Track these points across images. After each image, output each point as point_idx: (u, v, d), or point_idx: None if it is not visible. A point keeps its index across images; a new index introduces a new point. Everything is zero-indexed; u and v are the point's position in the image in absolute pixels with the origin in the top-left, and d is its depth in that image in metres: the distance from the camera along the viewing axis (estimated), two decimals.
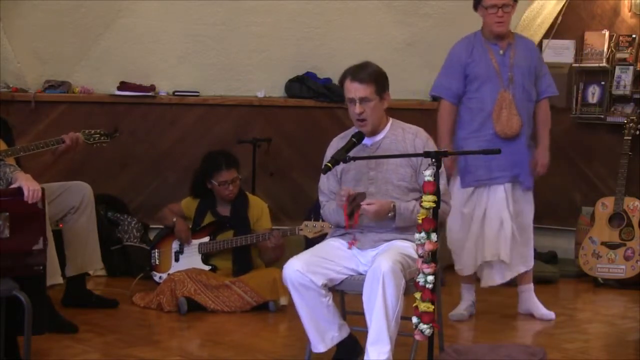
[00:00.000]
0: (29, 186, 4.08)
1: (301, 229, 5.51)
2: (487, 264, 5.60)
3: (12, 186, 4.14)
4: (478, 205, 5.53)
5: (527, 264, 5.68)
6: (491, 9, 5.40)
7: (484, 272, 5.65)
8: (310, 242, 5.77)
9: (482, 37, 5.52)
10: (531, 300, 5.72)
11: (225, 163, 5.95)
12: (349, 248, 4.39)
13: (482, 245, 5.54)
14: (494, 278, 5.65)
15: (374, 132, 4.46)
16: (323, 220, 5.19)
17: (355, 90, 4.36)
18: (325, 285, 4.27)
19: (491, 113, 5.44)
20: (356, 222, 4.30)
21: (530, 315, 5.71)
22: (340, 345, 4.40)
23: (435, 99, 7.27)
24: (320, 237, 5.24)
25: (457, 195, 5.53)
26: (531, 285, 5.74)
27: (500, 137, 5.43)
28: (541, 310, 5.67)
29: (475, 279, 5.75)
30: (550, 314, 5.64)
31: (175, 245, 6.11)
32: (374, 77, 4.38)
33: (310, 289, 4.24)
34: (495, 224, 5.50)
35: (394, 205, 4.32)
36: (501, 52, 5.48)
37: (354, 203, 4.27)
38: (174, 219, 6.08)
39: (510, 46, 5.50)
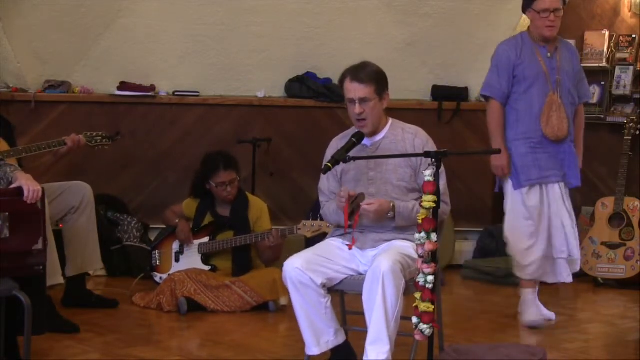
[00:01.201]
0: (29, 186, 4.08)
1: (299, 229, 5.51)
2: (559, 260, 5.53)
3: (12, 186, 4.14)
4: (540, 204, 5.47)
5: (579, 263, 5.67)
6: (543, 13, 5.38)
7: (558, 269, 5.56)
8: (309, 242, 5.77)
9: (529, 39, 5.50)
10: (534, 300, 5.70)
11: (223, 164, 5.94)
12: (349, 249, 4.39)
13: (549, 243, 5.50)
14: (569, 274, 5.58)
15: (374, 132, 4.46)
16: (322, 220, 5.19)
17: (355, 90, 4.36)
18: (324, 285, 4.26)
19: (539, 115, 5.43)
20: (356, 222, 4.30)
21: None
22: (335, 351, 4.39)
23: (437, 99, 7.33)
24: (319, 237, 5.24)
25: (514, 196, 5.49)
26: (536, 286, 5.72)
27: (550, 140, 5.43)
28: (541, 310, 5.66)
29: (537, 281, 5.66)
30: (551, 314, 5.64)
31: (175, 246, 6.11)
32: (373, 77, 4.38)
33: (309, 288, 4.24)
34: (558, 222, 5.49)
35: (394, 205, 4.32)
36: (549, 54, 5.47)
37: (354, 204, 4.27)
38: (177, 220, 6.08)
39: (556, 50, 5.49)
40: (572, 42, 7.18)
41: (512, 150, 5.47)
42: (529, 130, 5.45)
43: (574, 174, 5.53)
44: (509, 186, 5.53)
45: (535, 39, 5.50)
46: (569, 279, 5.63)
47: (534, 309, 5.52)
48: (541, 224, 5.48)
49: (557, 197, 5.50)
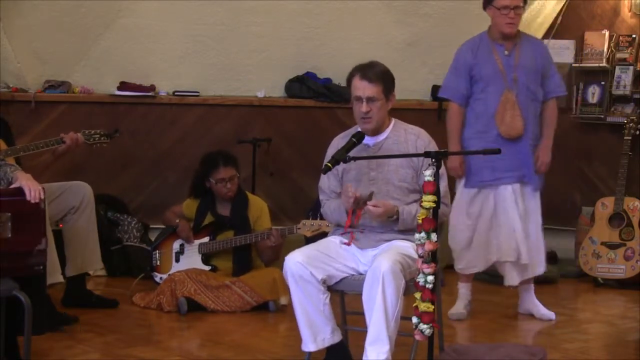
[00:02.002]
0: (29, 186, 4.08)
1: (299, 228, 5.51)
2: (506, 263, 5.58)
3: (13, 186, 4.14)
4: (485, 206, 5.53)
5: (543, 265, 5.68)
6: (503, 10, 5.39)
7: (505, 271, 5.64)
8: (309, 241, 5.77)
9: (487, 38, 5.52)
10: (531, 300, 5.72)
11: (222, 161, 5.95)
12: (348, 245, 4.38)
13: (497, 245, 5.54)
14: (515, 277, 5.64)
15: (377, 133, 4.46)
16: (322, 219, 5.19)
17: (363, 88, 4.36)
18: (324, 282, 4.27)
19: (495, 114, 5.44)
20: (357, 220, 4.30)
21: (530, 315, 5.72)
22: (330, 350, 4.39)
23: (437, 99, 7.33)
24: (319, 236, 5.24)
25: (462, 195, 5.56)
26: (532, 286, 5.74)
27: (505, 138, 5.43)
28: (541, 310, 5.67)
29: (472, 278, 5.75)
30: (551, 314, 5.65)
31: (175, 246, 6.11)
32: (382, 77, 4.39)
33: (309, 283, 4.24)
34: (507, 225, 5.50)
35: (398, 210, 4.32)
36: (506, 52, 5.48)
37: (360, 203, 4.27)
38: (177, 221, 6.09)
39: (516, 47, 5.49)
40: (571, 42, 7.22)
41: (467, 149, 5.47)
42: (485, 130, 5.46)
43: (533, 174, 5.53)
44: (461, 182, 5.57)
45: (493, 37, 5.50)
46: (514, 282, 5.66)
47: (460, 303, 5.66)
48: (478, 228, 5.52)
49: (509, 199, 5.50)
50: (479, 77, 5.48)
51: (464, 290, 5.71)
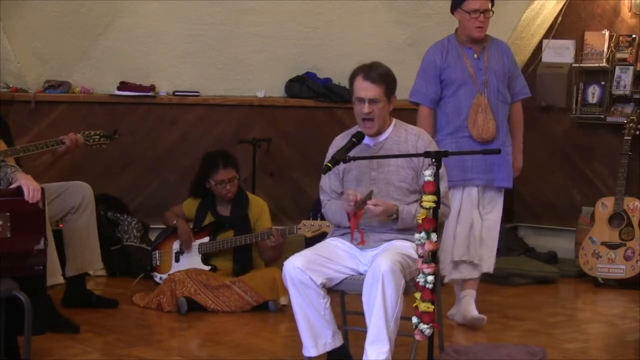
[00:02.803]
0: (29, 186, 4.08)
1: (299, 228, 5.51)
2: (453, 262, 5.55)
3: (12, 186, 4.14)
4: (454, 207, 5.50)
5: (490, 266, 5.60)
6: (473, 14, 5.35)
7: (446, 268, 5.55)
8: (309, 242, 5.77)
9: (455, 41, 5.49)
10: (469, 305, 5.54)
11: (222, 162, 5.95)
12: (358, 245, 4.36)
13: (452, 244, 5.51)
14: (453, 273, 5.56)
15: (378, 133, 4.46)
16: (322, 219, 5.18)
17: (366, 89, 4.36)
18: (324, 285, 4.26)
19: (466, 117, 5.42)
20: (358, 218, 4.29)
21: (530, 314, 5.70)
22: (332, 354, 4.38)
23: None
24: (319, 236, 5.24)
25: None
26: (474, 292, 5.58)
27: (477, 141, 5.42)
28: (472, 312, 5.50)
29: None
30: (482, 317, 5.49)
31: (175, 246, 6.11)
32: (384, 78, 4.39)
33: (309, 287, 4.23)
34: (467, 225, 5.47)
35: (398, 209, 4.32)
36: (475, 56, 5.46)
37: (360, 203, 4.27)
38: (174, 221, 6.08)
39: (484, 50, 5.47)
40: (571, 42, 7.22)
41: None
42: (456, 132, 5.43)
43: (504, 176, 5.49)
44: None
45: (461, 40, 5.47)
46: (455, 277, 5.58)
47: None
48: (447, 228, 5.44)
49: (474, 199, 5.48)
50: (449, 81, 5.45)
51: (459, 291, 5.68)
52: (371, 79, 4.35)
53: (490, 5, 5.41)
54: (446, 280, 5.56)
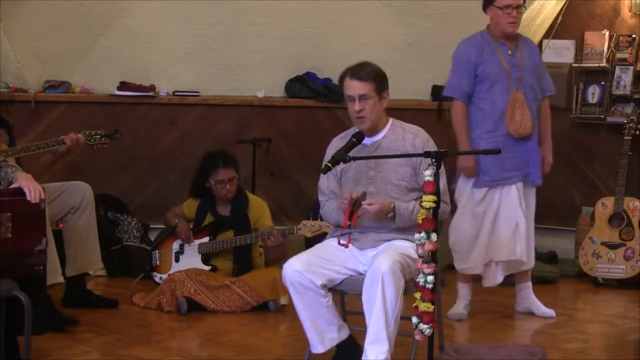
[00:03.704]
0: (29, 186, 4.07)
1: (299, 229, 5.51)
2: (495, 263, 5.59)
3: (12, 186, 4.14)
4: (490, 206, 5.53)
5: (531, 262, 5.70)
6: (506, 9, 5.40)
7: (491, 271, 5.65)
8: (310, 242, 5.77)
9: (489, 37, 5.52)
10: (530, 298, 5.73)
11: (222, 162, 5.95)
12: (346, 246, 4.37)
13: (495, 245, 5.55)
14: (497, 277, 5.66)
15: (374, 132, 4.46)
16: (321, 220, 5.18)
17: (354, 87, 4.37)
18: (324, 286, 4.27)
19: (503, 113, 5.45)
20: (354, 221, 4.30)
21: (530, 314, 5.72)
22: (340, 347, 4.40)
23: (437, 99, 7.33)
24: (320, 236, 5.24)
25: (471, 195, 5.55)
26: (530, 284, 5.75)
27: (514, 137, 5.45)
28: (542, 308, 5.68)
29: (472, 278, 5.75)
30: (551, 312, 5.66)
31: (175, 246, 6.11)
32: (373, 75, 4.40)
33: (309, 289, 4.24)
34: (511, 224, 5.52)
35: (394, 206, 4.32)
36: (509, 52, 5.49)
37: (355, 204, 4.27)
38: (176, 221, 6.09)
39: (517, 47, 5.51)
40: (571, 42, 7.23)
41: (476, 148, 5.47)
42: (494, 129, 5.47)
43: (537, 172, 5.57)
44: (469, 183, 5.55)
45: (495, 36, 5.51)
46: (498, 282, 5.69)
47: (460, 303, 5.66)
48: (482, 229, 5.52)
49: (514, 199, 5.52)
50: (484, 76, 5.47)
51: (464, 290, 5.71)
52: (358, 77, 4.37)
53: (522, 0, 5.44)
54: (488, 284, 5.67)
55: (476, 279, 5.84)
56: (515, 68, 5.47)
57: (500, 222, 5.54)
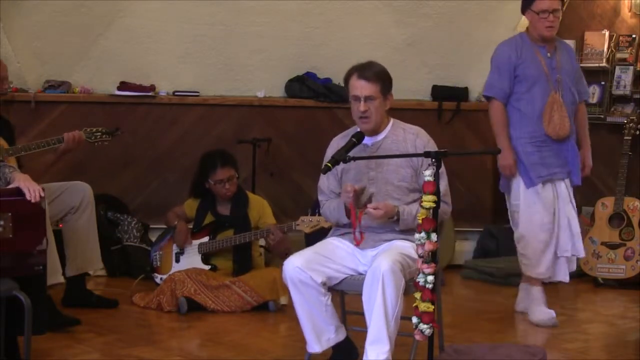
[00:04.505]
0: (27, 186, 4.07)
1: (298, 225, 5.52)
2: (561, 259, 5.58)
3: (10, 186, 4.13)
4: (547, 201, 5.50)
5: (573, 264, 5.71)
6: (542, 14, 5.42)
7: (557, 267, 5.61)
8: (309, 238, 5.78)
9: (528, 40, 5.53)
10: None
11: (220, 161, 5.95)
12: (357, 245, 4.37)
13: (560, 240, 5.53)
14: (561, 274, 5.63)
15: (375, 132, 4.46)
16: (319, 215, 5.19)
17: (361, 87, 4.37)
18: (324, 284, 4.27)
19: (541, 115, 5.46)
20: (359, 220, 4.30)
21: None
22: (336, 348, 4.40)
23: (437, 99, 7.33)
24: (318, 232, 5.24)
25: (527, 196, 5.51)
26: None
27: (553, 139, 5.46)
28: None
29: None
30: (550, 312, 5.65)
31: (175, 247, 6.10)
32: (379, 76, 4.40)
33: (309, 287, 4.24)
34: (565, 219, 5.53)
35: (398, 211, 4.32)
36: (549, 54, 5.51)
37: (360, 200, 4.26)
38: (175, 222, 6.09)
39: (556, 50, 5.53)
40: (571, 42, 7.21)
41: (517, 149, 5.50)
42: (533, 130, 5.49)
43: (578, 172, 5.61)
44: (520, 185, 5.54)
45: (534, 39, 5.53)
46: (567, 278, 5.68)
47: (543, 308, 5.55)
48: (554, 219, 5.51)
49: (564, 194, 5.56)
50: (523, 77, 5.49)
51: (539, 294, 5.61)
52: (366, 78, 4.37)
53: (559, 5, 5.47)
54: (559, 279, 5.64)
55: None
56: (554, 71, 5.49)
57: (560, 217, 5.53)
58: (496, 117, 5.54)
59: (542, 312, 5.53)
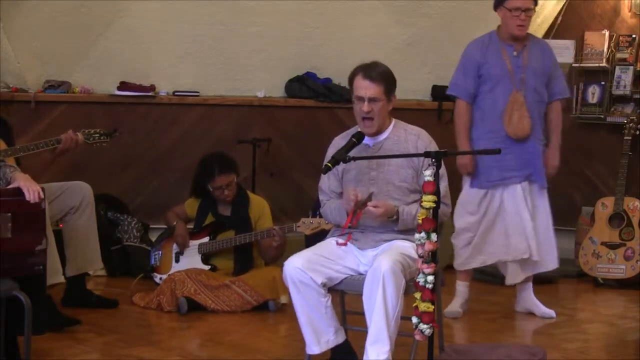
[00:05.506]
0: (28, 186, 4.07)
1: (298, 226, 5.52)
2: (511, 262, 5.62)
3: (10, 186, 4.13)
4: (490, 206, 5.55)
5: (555, 261, 5.72)
6: (515, 12, 5.42)
7: (509, 270, 5.68)
8: (309, 240, 5.77)
9: (497, 38, 5.54)
10: (530, 299, 5.74)
11: (217, 169, 5.91)
12: (344, 245, 4.37)
13: (509, 245, 5.57)
14: (519, 275, 5.68)
15: (377, 133, 4.46)
16: (320, 217, 5.18)
17: (366, 88, 4.36)
18: (324, 285, 4.26)
19: (502, 114, 5.46)
20: (357, 220, 4.30)
21: (530, 314, 5.73)
22: (335, 350, 4.39)
23: (437, 99, 7.33)
24: (319, 235, 5.23)
25: (468, 195, 5.59)
26: (531, 284, 5.76)
27: (512, 139, 5.45)
28: (542, 308, 5.69)
29: (471, 276, 5.76)
30: (551, 312, 5.67)
31: (175, 247, 6.10)
32: (384, 77, 4.39)
33: (309, 287, 4.24)
34: (517, 224, 5.54)
35: (398, 210, 4.32)
36: (515, 53, 5.51)
37: (360, 204, 4.26)
38: (174, 223, 6.08)
39: (525, 48, 5.52)
40: (571, 42, 7.23)
41: (475, 148, 5.49)
42: (493, 129, 5.51)
43: (540, 174, 5.58)
44: (466, 182, 5.61)
45: (503, 37, 5.53)
46: (518, 280, 5.71)
47: (457, 301, 5.69)
48: (480, 228, 5.54)
49: (518, 198, 5.54)
50: (487, 77, 5.50)
51: (462, 288, 5.74)
52: (371, 78, 4.36)
53: (532, 4, 5.46)
54: (509, 282, 5.73)
55: (477, 279, 5.84)
56: (519, 69, 5.48)
57: (507, 223, 5.55)
58: (458, 116, 5.58)
59: (451, 305, 5.67)
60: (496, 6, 5.53)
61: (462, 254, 5.66)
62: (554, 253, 5.72)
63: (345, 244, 4.37)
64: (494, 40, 5.54)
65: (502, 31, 5.53)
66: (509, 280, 5.74)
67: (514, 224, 5.55)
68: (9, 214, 3.94)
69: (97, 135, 5.61)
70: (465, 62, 5.57)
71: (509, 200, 5.55)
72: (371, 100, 4.36)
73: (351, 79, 4.43)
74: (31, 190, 4.06)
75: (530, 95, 5.50)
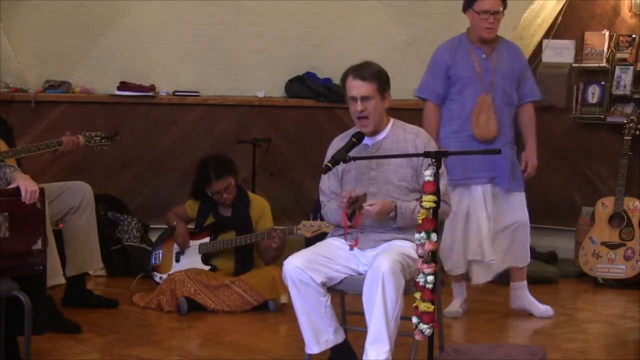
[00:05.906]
0: (26, 187, 4.07)
1: (299, 229, 5.51)
2: (474, 262, 5.61)
3: (10, 186, 4.13)
4: (461, 204, 5.54)
5: (517, 262, 5.68)
6: (483, 14, 5.42)
7: (472, 270, 5.67)
8: (309, 242, 5.77)
9: (466, 40, 5.55)
10: (525, 297, 5.73)
11: (214, 175, 5.89)
12: (350, 249, 4.39)
13: (467, 244, 5.57)
14: (480, 276, 5.66)
15: (375, 132, 4.46)
16: (322, 220, 5.18)
17: (357, 87, 4.37)
18: (324, 284, 4.27)
19: (470, 116, 5.47)
20: (357, 223, 4.30)
21: (529, 315, 5.72)
22: (334, 350, 4.39)
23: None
24: (319, 237, 5.24)
25: None
26: (525, 282, 5.74)
27: (478, 140, 5.45)
28: (539, 308, 5.68)
29: (465, 277, 5.76)
30: (548, 308, 5.66)
31: (176, 246, 6.10)
32: (375, 75, 4.39)
33: (309, 287, 4.24)
34: (475, 224, 5.54)
35: (396, 205, 4.32)
36: (484, 55, 5.51)
37: (355, 204, 4.27)
38: (174, 223, 6.08)
39: (493, 50, 5.52)
40: (571, 42, 7.23)
41: (442, 147, 5.48)
42: (459, 130, 5.51)
43: (505, 177, 5.53)
44: None
45: (472, 40, 5.54)
46: (480, 281, 5.70)
47: (456, 302, 5.69)
48: (456, 230, 5.53)
49: (478, 199, 5.53)
50: (456, 79, 5.51)
51: (458, 289, 5.73)
52: (361, 77, 4.37)
53: (501, 7, 5.45)
54: (474, 282, 5.70)
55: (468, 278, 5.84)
56: (488, 72, 5.49)
57: (468, 222, 5.55)
58: (427, 118, 5.57)
59: (451, 305, 5.67)
60: (465, 8, 5.54)
61: (449, 257, 5.61)
62: (525, 251, 5.69)
63: (352, 247, 4.37)
64: (463, 42, 5.55)
65: (471, 34, 5.54)
66: (474, 280, 5.71)
67: (471, 225, 5.54)
68: (6, 214, 3.94)
69: (98, 138, 5.61)
70: (434, 64, 5.59)
71: (471, 200, 5.53)
72: (364, 98, 4.36)
73: (343, 82, 4.45)
74: (28, 191, 4.06)
75: (498, 98, 5.50)
